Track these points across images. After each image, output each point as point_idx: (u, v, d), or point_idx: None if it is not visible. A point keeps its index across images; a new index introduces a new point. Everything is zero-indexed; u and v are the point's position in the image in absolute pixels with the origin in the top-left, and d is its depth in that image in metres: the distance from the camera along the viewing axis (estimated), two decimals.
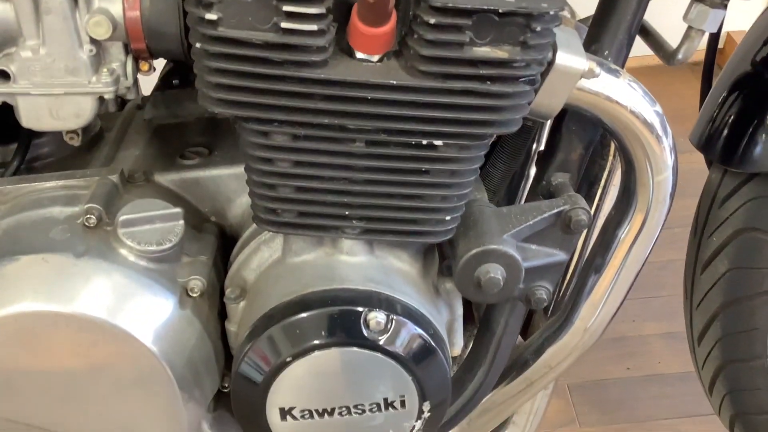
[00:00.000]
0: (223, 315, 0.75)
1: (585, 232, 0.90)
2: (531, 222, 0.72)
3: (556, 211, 0.73)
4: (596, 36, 0.75)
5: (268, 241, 0.74)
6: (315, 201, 0.66)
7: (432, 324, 0.69)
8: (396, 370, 0.67)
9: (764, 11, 0.93)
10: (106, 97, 0.67)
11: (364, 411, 0.68)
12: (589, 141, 0.78)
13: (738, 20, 1.19)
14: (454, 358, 0.82)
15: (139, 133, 0.86)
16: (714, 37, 0.96)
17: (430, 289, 0.74)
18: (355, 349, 0.66)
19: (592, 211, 0.88)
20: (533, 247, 0.74)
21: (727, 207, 0.92)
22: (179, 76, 0.89)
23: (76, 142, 0.70)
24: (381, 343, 0.66)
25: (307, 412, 0.68)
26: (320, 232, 0.68)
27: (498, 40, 0.60)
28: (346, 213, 0.67)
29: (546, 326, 0.88)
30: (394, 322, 0.66)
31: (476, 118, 0.62)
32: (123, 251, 0.70)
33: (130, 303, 0.68)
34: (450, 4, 0.57)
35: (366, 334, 0.65)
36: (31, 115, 0.68)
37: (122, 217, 0.69)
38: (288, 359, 0.65)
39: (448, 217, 0.68)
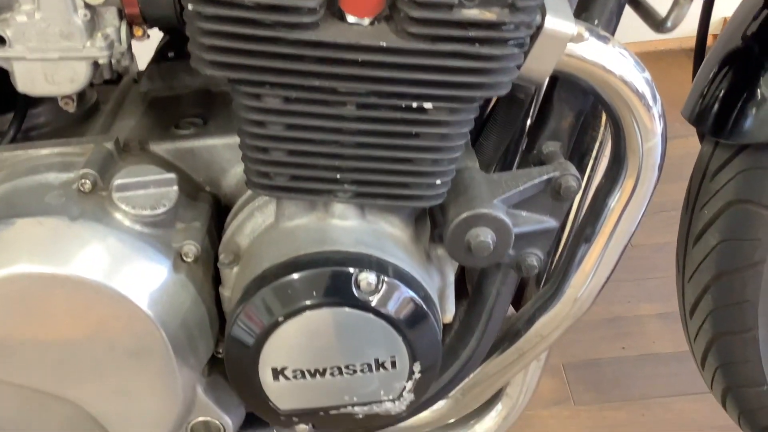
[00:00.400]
0: (217, 281, 0.76)
1: (577, 203, 0.91)
2: (521, 188, 0.73)
3: (546, 177, 0.73)
4: (586, 4, 0.75)
5: (262, 207, 0.75)
6: (307, 164, 0.67)
7: (423, 286, 0.70)
8: (387, 331, 0.68)
9: None
10: (100, 62, 0.68)
11: (355, 371, 0.69)
12: (579, 109, 0.78)
13: (735, 6, 1.19)
14: (446, 327, 0.83)
15: (134, 105, 0.87)
16: (706, 11, 0.97)
17: (421, 254, 0.75)
18: (345, 309, 0.66)
19: (584, 183, 0.89)
20: (524, 213, 0.75)
21: (719, 180, 0.93)
22: (175, 49, 0.90)
23: (71, 108, 0.71)
24: (371, 303, 0.67)
25: (299, 372, 0.69)
26: (312, 195, 0.69)
27: (487, 3, 0.60)
28: (338, 177, 0.68)
29: (537, 296, 0.89)
30: (384, 283, 0.67)
31: (466, 81, 0.63)
32: (118, 215, 0.71)
33: (125, 266, 0.69)
34: None
35: (357, 295, 0.66)
36: (27, 80, 0.69)
37: (117, 182, 0.70)
38: (280, 319, 0.66)
39: (438, 181, 0.69)
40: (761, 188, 0.90)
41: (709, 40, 1.00)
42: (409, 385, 0.71)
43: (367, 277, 0.66)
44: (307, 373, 0.69)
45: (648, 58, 1.31)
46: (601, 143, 0.88)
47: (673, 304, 1.10)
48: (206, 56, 0.62)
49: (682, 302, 1.04)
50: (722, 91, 0.91)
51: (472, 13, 0.61)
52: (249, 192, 0.77)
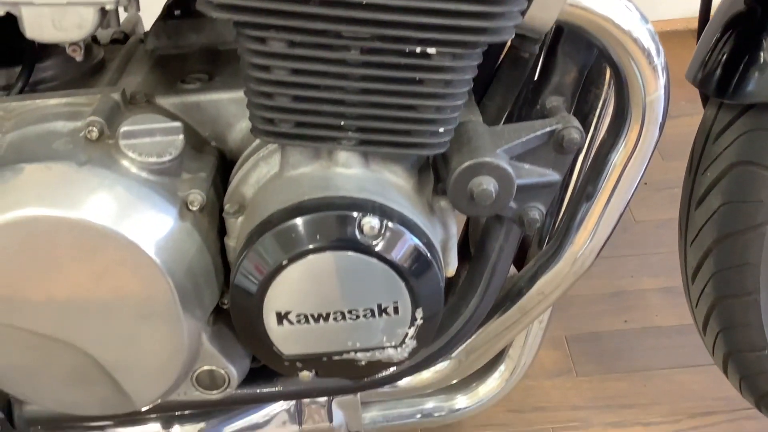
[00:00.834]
0: (222, 233, 0.77)
1: (580, 162, 0.92)
2: (524, 139, 0.73)
3: (549, 129, 0.74)
4: None
5: (267, 158, 0.75)
6: (311, 111, 0.68)
7: (425, 233, 0.71)
8: (389, 276, 0.68)
9: None
10: (107, 8, 0.69)
11: (358, 316, 0.70)
12: (583, 64, 0.79)
13: None
14: (448, 287, 0.84)
15: (141, 63, 0.87)
16: None
17: (424, 204, 0.75)
18: (349, 253, 0.67)
19: (587, 141, 0.90)
20: (526, 166, 0.75)
21: (721, 142, 0.93)
22: (181, 7, 0.90)
23: (79, 55, 0.72)
24: (375, 247, 0.67)
25: (302, 316, 0.69)
26: (316, 142, 0.70)
27: None
28: (342, 123, 0.68)
29: (539, 255, 0.89)
30: (388, 227, 0.67)
31: (469, 25, 0.63)
32: (124, 162, 0.71)
33: (131, 212, 0.70)
34: None
35: (360, 239, 0.67)
36: (35, 26, 0.69)
37: (124, 129, 0.71)
38: (284, 263, 0.67)
39: (441, 129, 0.69)
40: (764, 149, 0.90)
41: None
42: (412, 331, 0.71)
43: (371, 221, 0.67)
44: (310, 318, 0.69)
45: None
46: (604, 102, 0.88)
47: (676, 278, 1.10)
48: None
49: (684, 267, 1.05)
50: (726, 53, 0.92)
51: None
52: (254, 144, 0.77)
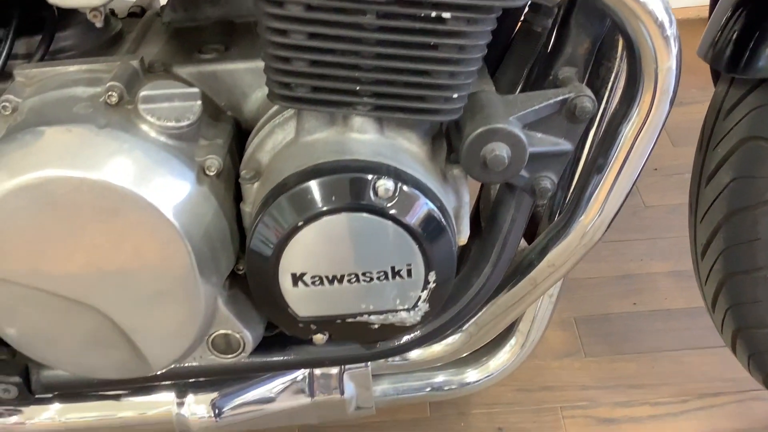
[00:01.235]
0: (238, 200, 0.78)
1: (591, 135, 0.93)
2: (536, 107, 0.74)
3: (561, 98, 0.75)
4: None
5: (282, 124, 0.76)
6: (327, 75, 0.69)
7: (438, 198, 0.72)
8: (403, 238, 0.69)
9: None
10: None
11: (371, 278, 0.71)
12: (596, 35, 0.80)
13: None
14: (460, 256, 0.85)
15: (158, 35, 0.89)
16: None
17: (438, 172, 0.76)
18: (363, 214, 0.68)
19: (599, 114, 0.90)
20: (539, 134, 0.76)
21: (732, 117, 0.94)
22: None
23: (99, 21, 0.73)
24: (389, 210, 0.68)
25: (317, 278, 0.70)
26: (332, 107, 0.71)
27: None
28: (357, 89, 0.69)
29: (550, 227, 0.90)
30: (401, 190, 0.68)
31: None
32: (143, 127, 0.73)
33: (150, 174, 0.71)
34: None
35: (374, 201, 0.68)
36: None
37: (143, 93, 0.72)
38: (299, 224, 0.68)
39: (455, 95, 0.70)
40: None
41: None
42: (424, 294, 0.73)
43: (385, 184, 0.68)
44: (325, 280, 0.71)
45: None
46: (616, 75, 0.89)
47: (685, 263, 1.10)
48: None
49: (694, 244, 1.05)
50: (737, 29, 0.92)
51: None
52: (270, 111, 0.78)
